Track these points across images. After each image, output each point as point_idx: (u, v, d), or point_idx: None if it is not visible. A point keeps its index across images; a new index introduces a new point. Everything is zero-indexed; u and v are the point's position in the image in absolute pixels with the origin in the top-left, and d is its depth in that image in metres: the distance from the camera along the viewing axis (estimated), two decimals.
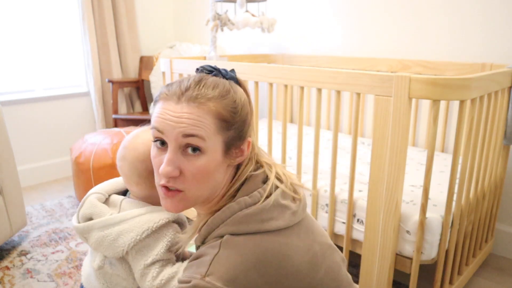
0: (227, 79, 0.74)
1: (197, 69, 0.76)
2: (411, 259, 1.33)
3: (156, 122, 0.69)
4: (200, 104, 0.68)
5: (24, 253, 1.91)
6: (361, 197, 1.45)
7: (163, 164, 0.68)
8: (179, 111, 0.67)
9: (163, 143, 0.70)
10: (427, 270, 1.78)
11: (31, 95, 2.75)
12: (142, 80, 3.17)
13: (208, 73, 0.74)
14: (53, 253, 1.91)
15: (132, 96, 3.22)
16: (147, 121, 3.02)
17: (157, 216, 0.87)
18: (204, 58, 2.33)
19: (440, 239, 1.31)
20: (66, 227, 2.17)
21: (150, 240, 0.86)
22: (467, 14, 1.87)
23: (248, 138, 0.75)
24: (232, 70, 0.77)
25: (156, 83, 3.05)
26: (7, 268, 1.79)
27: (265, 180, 0.76)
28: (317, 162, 1.49)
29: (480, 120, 1.35)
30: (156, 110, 0.71)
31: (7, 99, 2.65)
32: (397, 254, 1.36)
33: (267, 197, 0.72)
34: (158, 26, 3.37)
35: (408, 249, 1.32)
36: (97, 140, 2.28)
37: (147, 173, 0.88)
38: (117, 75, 3.03)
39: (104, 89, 3.02)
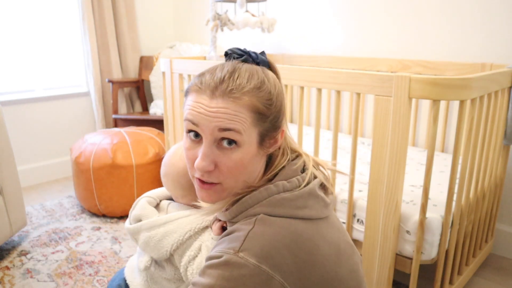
0: (258, 63, 0.73)
1: (226, 53, 0.74)
2: (411, 259, 1.33)
3: (190, 115, 0.68)
4: (236, 99, 0.66)
5: (24, 253, 1.91)
6: (361, 197, 1.45)
7: (198, 159, 0.67)
8: (214, 105, 0.66)
9: (197, 135, 0.69)
10: (427, 270, 1.78)
11: (31, 95, 2.75)
12: (142, 80, 3.17)
13: (239, 57, 0.73)
14: (53, 253, 1.91)
15: (132, 96, 3.22)
16: (147, 121, 3.01)
17: (200, 218, 0.90)
18: (204, 58, 2.33)
19: (440, 239, 1.31)
20: (66, 227, 2.17)
21: (192, 241, 0.89)
22: (467, 14, 1.87)
23: (282, 127, 0.74)
24: (263, 53, 0.75)
25: (156, 83, 3.05)
26: (7, 268, 1.79)
27: (303, 169, 0.76)
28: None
29: (480, 120, 1.35)
30: (188, 102, 0.69)
31: (7, 99, 2.65)
32: (397, 254, 1.36)
33: (306, 185, 0.73)
34: (158, 26, 3.37)
35: (408, 249, 1.32)
36: (97, 140, 2.28)
37: (189, 185, 0.92)
38: (117, 75, 3.03)
39: (104, 89, 3.02)
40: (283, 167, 0.75)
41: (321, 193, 0.75)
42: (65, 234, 2.10)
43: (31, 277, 1.72)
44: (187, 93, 0.72)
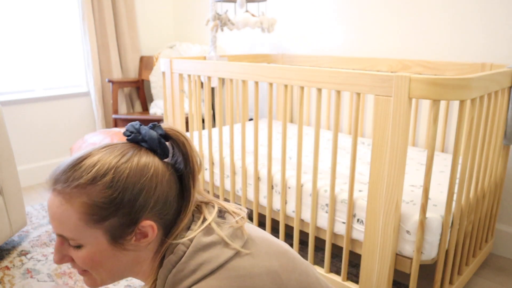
0: (146, 141, 0.68)
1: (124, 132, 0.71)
2: (411, 259, 1.33)
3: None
4: (65, 197, 0.62)
5: (24, 253, 1.91)
6: (361, 197, 1.45)
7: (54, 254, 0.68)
8: (50, 205, 0.65)
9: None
10: (427, 270, 1.78)
11: (31, 95, 2.75)
12: (142, 80, 3.17)
13: (129, 136, 0.69)
14: (53, 253, 1.91)
15: (132, 96, 3.22)
16: (147, 121, 3.01)
17: None
18: (204, 58, 2.33)
19: (440, 239, 1.31)
20: None
21: None
22: (467, 14, 1.87)
23: (145, 222, 0.65)
24: (158, 127, 0.70)
25: (156, 83, 3.05)
26: (7, 268, 1.79)
27: (189, 225, 0.70)
28: (317, 162, 1.49)
29: (480, 120, 1.35)
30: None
31: (7, 99, 2.65)
32: (397, 254, 1.36)
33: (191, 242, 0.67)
34: (158, 26, 3.37)
35: (408, 249, 1.32)
36: (97, 140, 2.28)
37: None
38: (117, 75, 3.03)
39: (104, 89, 3.02)
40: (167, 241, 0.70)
41: (211, 237, 0.67)
42: None
43: (31, 277, 1.72)
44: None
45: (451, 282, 1.50)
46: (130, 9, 3.06)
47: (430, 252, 1.30)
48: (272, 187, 1.72)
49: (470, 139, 1.29)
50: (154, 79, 3.06)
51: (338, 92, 1.37)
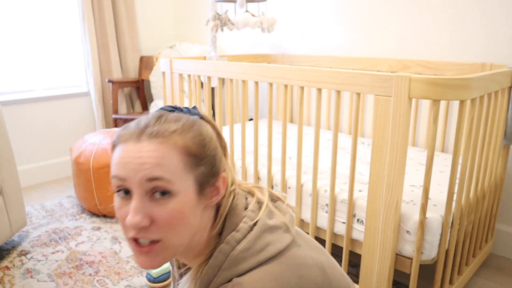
0: (191, 115, 0.69)
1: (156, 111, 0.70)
2: (411, 259, 1.33)
3: (116, 170, 0.62)
4: (164, 139, 0.61)
5: (24, 253, 1.91)
6: (361, 197, 1.45)
7: (129, 216, 0.59)
8: (139, 150, 0.60)
9: (127, 191, 0.62)
10: (427, 270, 1.78)
11: (31, 95, 2.75)
12: (142, 80, 3.17)
13: (169, 112, 0.68)
14: (53, 253, 1.91)
15: (132, 96, 3.22)
16: None
17: None
18: (204, 58, 2.33)
19: (440, 239, 1.31)
20: (66, 227, 2.17)
21: None
22: (467, 14, 1.87)
23: (222, 174, 0.68)
24: (195, 107, 0.71)
25: (156, 83, 3.05)
26: (7, 268, 1.79)
27: (247, 206, 0.70)
28: (317, 162, 1.49)
29: (480, 120, 1.35)
30: (115, 156, 0.63)
31: (7, 99, 2.65)
32: (397, 254, 1.36)
33: (255, 224, 0.66)
34: (158, 26, 3.37)
35: (408, 249, 1.32)
36: (97, 140, 2.28)
37: None
38: (117, 75, 3.03)
39: (104, 89, 3.02)
40: (227, 214, 0.69)
41: (274, 220, 0.68)
42: (65, 234, 2.10)
43: (31, 277, 1.72)
44: (113, 148, 0.66)
45: (451, 282, 1.50)
46: (130, 9, 3.06)
47: (430, 252, 1.30)
48: (272, 187, 1.72)
49: (470, 139, 1.29)
50: (154, 79, 3.06)
51: (338, 92, 1.37)
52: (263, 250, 0.64)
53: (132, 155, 0.60)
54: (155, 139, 0.61)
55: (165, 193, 0.60)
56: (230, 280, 0.62)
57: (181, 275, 0.77)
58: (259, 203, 0.70)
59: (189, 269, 0.76)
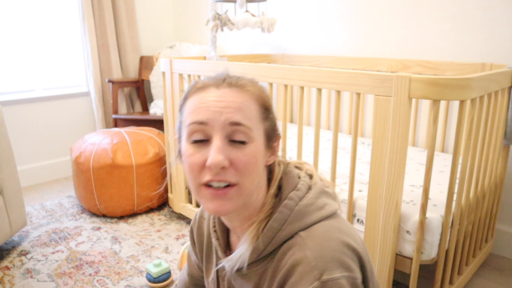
0: None
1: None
2: (411, 259, 1.33)
3: (197, 115, 0.63)
4: (242, 88, 0.65)
5: (24, 253, 1.91)
6: (361, 197, 1.45)
7: (211, 156, 0.61)
8: (221, 95, 0.63)
9: (201, 140, 0.64)
10: (427, 270, 1.78)
11: (31, 95, 2.75)
12: (142, 80, 3.17)
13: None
14: (53, 253, 1.91)
15: (132, 96, 3.22)
16: (147, 121, 3.01)
17: None
18: (204, 58, 2.33)
19: (440, 239, 1.31)
20: (66, 227, 2.17)
21: None
22: (467, 14, 1.87)
23: (279, 134, 0.73)
24: None
25: (156, 83, 3.05)
26: (7, 268, 1.79)
27: (298, 174, 0.74)
28: (317, 162, 1.49)
29: (480, 120, 1.35)
30: (191, 104, 0.65)
31: (7, 99, 2.65)
32: (397, 254, 1.36)
33: (310, 187, 0.71)
34: (158, 26, 3.37)
35: (408, 249, 1.32)
36: (97, 140, 2.28)
37: None
38: (117, 75, 3.03)
39: (104, 89, 3.02)
40: (281, 178, 0.72)
41: (325, 187, 0.73)
42: (65, 234, 2.10)
43: (31, 277, 1.72)
44: (185, 100, 0.67)
45: (451, 282, 1.50)
46: (130, 9, 3.06)
47: (430, 252, 1.30)
48: None
49: (470, 139, 1.29)
50: (154, 79, 3.06)
51: (338, 92, 1.37)
52: (323, 208, 0.68)
53: (214, 99, 0.63)
54: (235, 88, 0.64)
55: (242, 140, 0.63)
56: (294, 235, 0.65)
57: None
58: (309, 174, 0.74)
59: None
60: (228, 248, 0.79)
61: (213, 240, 0.78)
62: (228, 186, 0.63)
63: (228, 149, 0.62)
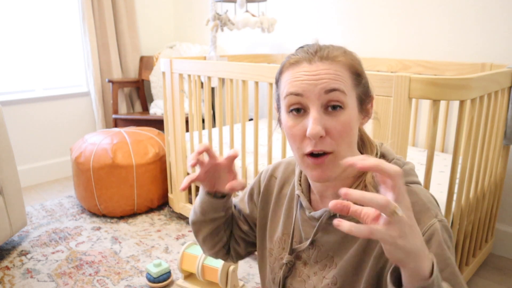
0: None
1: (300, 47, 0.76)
2: None
3: (292, 87, 0.68)
4: (334, 59, 0.68)
5: (24, 253, 1.91)
6: None
7: (309, 127, 0.65)
8: (315, 69, 0.67)
9: (298, 109, 0.68)
10: None
11: (31, 95, 2.75)
12: (142, 80, 3.17)
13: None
14: (53, 253, 1.91)
15: (132, 96, 3.22)
16: (147, 121, 3.00)
17: None
18: (204, 58, 2.33)
19: None
20: (66, 227, 2.17)
21: None
22: (467, 14, 1.87)
23: (373, 95, 0.75)
24: None
25: (156, 83, 3.05)
26: (7, 268, 1.79)
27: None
28: None
29: (480, 120, 1.35)
30: (285, 79, 0.70)
31: (7, 99, 2.65)
32: None
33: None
34: (158, 26, 3.37)
35: None
36: (97, 140, 2.28)
37: None
38: (117, 75, 3.03)
39: (104, 89, 3.02)
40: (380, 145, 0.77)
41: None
42: (65, 234, 2.10)
43: (31, 277, 1.72)
44: (280, 74, 0.72)
45: None
46: (130, 9, 3.06)
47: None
48: None
49: (470, 139, 1.29)
50: (154, 79, 3.06)
51: None
52: (417, 179, 0.75)
53: (307, 73, 0.67)
54: (326, 60, 0.68)
55: (336, 106, 0.66)
56: None
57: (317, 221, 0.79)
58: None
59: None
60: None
61: (299, 193, 0.80)
62: (324, 154, 0.68)
63: (324, 118, 0.66)
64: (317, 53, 0.69)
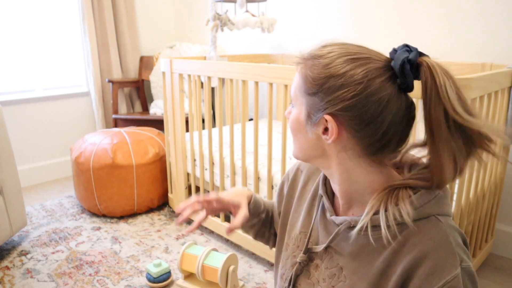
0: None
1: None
2: None
3: None
4: (298, 66, 0.75)
5: (24, 253, 1.91)
6: None
7: None
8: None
9: None
10: None
11: (31, 95, 2.75)
12: (142, 80, 3.17)
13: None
14: (53, 253, 1.91)
15: (132, 96, 3.22)
16: (147, 121, 3.00)
17: None
18: (204, 58, 2.33)
19: None
20: (66, 227, 2.17)
21: None
22: (467, 14, 1.87)
23: (329, 117, 0.74)
24: (414, 52, 0.70)
25: (156, 83, 3.05)
26: (7, 268, 1.79)
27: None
28: None
29: None
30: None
31: (7, 99, 2.65)
32: None
33: None
34: (158, 26, 3.37)
35: None
36: (97, 140, 2.28)
37: None
38: (117, 75, 3.03)
39: (104, 89, 3.02)
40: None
41: None
42: (65, 234, 2.10)
43: (31, 277, 1.72)
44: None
45: None
46: (130, 9, 3.06)
47: None
48: (272, 187, 1.72)
49: None
50: (154, 79, 3.06)
51: None
52: (450, 206, 0.71)
53: None
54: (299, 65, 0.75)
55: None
56: (429, 216, 0.66)
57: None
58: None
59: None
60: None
61: (322, 194, 0.79)
62: None
63: (291, 108, 0.76)
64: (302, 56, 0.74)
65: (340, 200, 0.76)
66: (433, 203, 0.67)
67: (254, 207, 0.93)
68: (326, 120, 0.67)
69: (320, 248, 0.76)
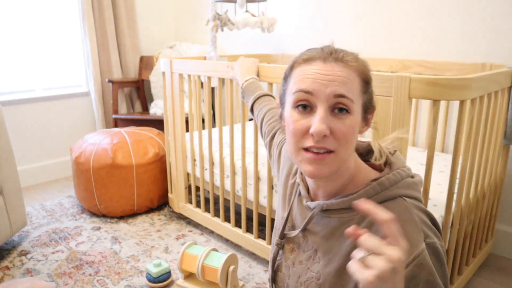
0: None
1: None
2: None
3: (303, 84, 0.68)
4: (347, 63, 0.68)
5: (24, 253, 1.91)
6: None
7: (314, 124, 0.66)
8: (329, 69, 0.67)
9: (305, 106, 0.69)
10: None
11: (31, 95, 2.75)
12: (142, 80, 3.17)
13: None
14: (53, 253, 1.91)
15: (132, 96, 3.22)
16: (147, 121, 3.00)
17: None
18: (204, 58, 2.33)
19: None
20: (66, 227, 2.17)
21: None
22: (467, 14, 1.87)
23: (375, 106, 0.76)
24: None
25: (156, 83, 3.05)
26: (7, 268, 1.79)
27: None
28: None
29: (480, 120, 1.35)
30: (297, 74, 0.70)
31: (7, 99, 2.65)
32: None
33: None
34: (158, 26, 3.37)
35: None
36: (97, 140, 2.28)
37: None
38: (117, 75, 3.03)
39: (104, 89, 3.02)
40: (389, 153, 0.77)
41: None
42: (65, 234, 2.10)
43: (31, 277, 1.72)
44: (291, 69, 0.73)
45: (451, 282, 1.50)
46: (130, 9, 3.06)
47: None
48: (272, 187, 1.72)
49: (470, 139, 1.29)
50: (154, 79, 3.06)
51: None
52: (420, 194, 0.75)
53: (320, 73, 0.68)
54: (340, 63, 0.68)
55: (343, 109, 0.68)
56: (397, 197, 0.70)
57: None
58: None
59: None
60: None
61: (299, 182, 0.83)
62: (325, 152, 0.68)
63: (330, 119, 0.67)
64: (332, 54, 0.69)
65: (311, 191, 0.80)
66: (400, 185, 0.71)
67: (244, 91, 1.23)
68: (372, 113, 0.74)
69: (295, 233, 0.81)
